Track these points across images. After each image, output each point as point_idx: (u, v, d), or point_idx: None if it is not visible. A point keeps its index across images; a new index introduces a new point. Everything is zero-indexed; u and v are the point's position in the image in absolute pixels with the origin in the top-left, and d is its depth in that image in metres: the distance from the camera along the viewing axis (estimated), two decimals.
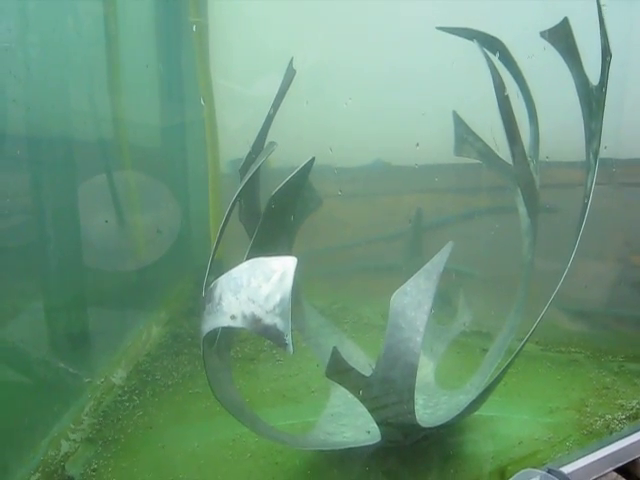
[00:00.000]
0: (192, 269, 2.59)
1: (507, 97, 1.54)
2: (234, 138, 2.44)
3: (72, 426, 1.81)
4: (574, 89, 1.64)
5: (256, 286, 1.22)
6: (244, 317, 1.23)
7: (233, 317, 1.24)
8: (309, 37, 2.16)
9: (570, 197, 2.15)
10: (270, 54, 2.19)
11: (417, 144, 1.82)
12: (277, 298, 1.19)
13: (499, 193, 2.23)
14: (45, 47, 1.91)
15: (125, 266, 2.28)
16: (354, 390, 1.48)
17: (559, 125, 1.94)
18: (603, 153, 1.61)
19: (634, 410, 1.93)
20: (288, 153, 1.77)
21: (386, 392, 1.47)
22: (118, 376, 2.06)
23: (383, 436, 1.59)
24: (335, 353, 1.38)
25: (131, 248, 2.39)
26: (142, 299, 2.35)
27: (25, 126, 1.84)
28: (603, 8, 1.50)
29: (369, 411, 1.52)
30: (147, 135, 2.43)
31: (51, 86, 1.92)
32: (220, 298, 1.27)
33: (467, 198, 2.52)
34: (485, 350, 1.98)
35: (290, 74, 1.70)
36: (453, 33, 1.72)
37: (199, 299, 2.43)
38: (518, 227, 1.87)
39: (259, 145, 1.67)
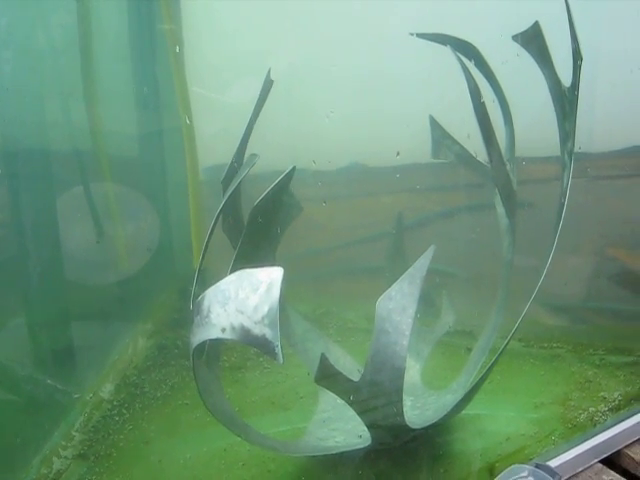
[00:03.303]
0: (175, 278, 2.59)
1: (483, 102, 1.56)
2: (209, 145, 2.45)
3: (63, 443, 1.80)
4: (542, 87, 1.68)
5: (244, 297, 1.23)
6: (233, 328, 1.24)
7: (222, 329, 1.26)
8: (284, 42, 2.16)
9: (543, 192, 2.20)
10: (243, 59, 2.19)
11: (397, 153, 1.85)
12: (265, 309, 1.20)
13: (476, 191, 2.26)
14: (19, 61, 1.90)
15: (108, 278, 2.27)
16: (343, 395, 1.50)
17: (530, 122, 1.98)
18: (576, 148, 1.65)
19: (616, 402, 1.96)
20: (265, 158, 1.78)
21: (375, 395, 1.49)
22: (107, 390, 2.05)
23: (373, 439, 1.61)
24: (323, 359, 1.40)
25: (113, 260, 2.38)
26: (126, 311, 2.34)
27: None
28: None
29: (358, 414, 1.54)
30: (124, 144, 2.42)
31: (25, 99, 1.92)
32: (209, 310, 1.29)
33: (444, 196, 2.54)
34: (469, 349, 2.00)
35: (267, 85, 1.71)
36: (426, 39, 1.74)
37: (183, 310, 2.46)
38: (496, 224, 1.91)
39: (240, 156, 1.68)
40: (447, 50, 1.69)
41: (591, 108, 2.08)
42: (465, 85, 1.60)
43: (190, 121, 2.44)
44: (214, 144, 2.40)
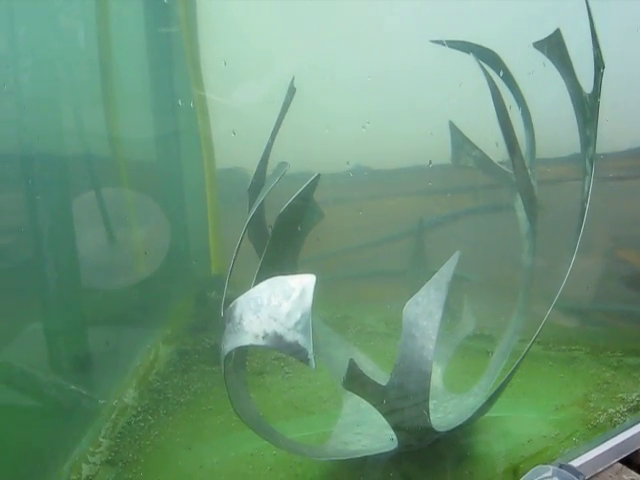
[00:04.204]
0: (193, 284, 2.60)
1: (506, 110, 1.58)
2: (220, 148, 2.46)
3: (91, 449, 1.82)
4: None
5: (276, 304, 1.25)
6: (266, 335, 1.26)
7: (255, 336, 1.27)
8: (290, 44, 2.17)
9: (559, 193, 2.22)
10: (249, 62, 2.20)
11: (430, 162, 1.85)
12: (298, 315, 1.22)
13: (485, 192, 2.28)
14: (37, 69, 1.92)
15: (127, 284, 2.29)
16: (372, 399, 1.52)
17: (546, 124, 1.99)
18: None
19: (634, 403, 1.99)
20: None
21: (402, 398, 1.51)
22: (130, 396, 2.07)
23: (399, 441, 1.63)
24: (352, 365, 1.42)
25: (132, 265, 2.39)
26: (146, 317, 2.35)
27: (18, 144, 1.86)
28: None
29: (385, 417, 1.55)
30: (142, 149, 2.44)
31: (43, 106, 1.93)
32: (241, 317, 1.30)
33: (450, 199, 2.55)
34: (489, 353, 2.02)
35: (291, 92, 1.73)
36: (449, 46, 1.75)
37: (201, 315, 2.47)
38: (508, 226, 1.92)
39: (264, 164, 1.70)
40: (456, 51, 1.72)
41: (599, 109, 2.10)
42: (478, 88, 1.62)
43: (204, 126, 2.44)
44: (222, 147, 2.42)
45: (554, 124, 2.05)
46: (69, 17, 2.14)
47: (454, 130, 2.00)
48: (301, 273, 1.26)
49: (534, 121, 1.84)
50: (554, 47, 1.63)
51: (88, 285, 2.05)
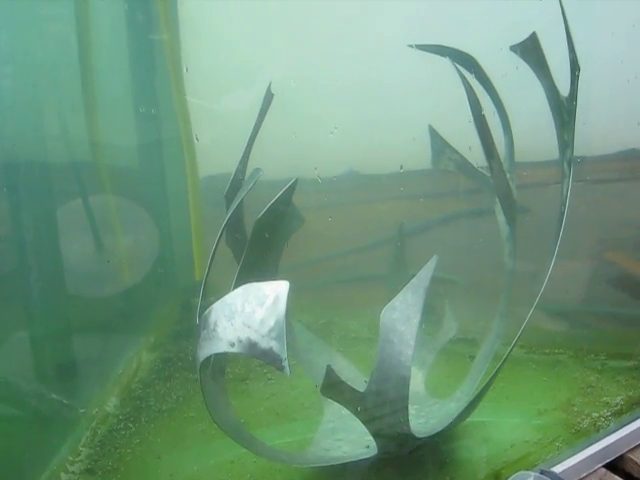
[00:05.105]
0: (176, 291, 2.59)
1: (483, 114, 1.58)
2: (204, 155, 2.46)
3: (70, 458, 1.80)
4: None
5: (250, 311, 1.25)
6: (240, 342, 1.25)
7: (230, 343, 1.27)
8: (278, 51, 2.17)
9: (540, 197, 2.22)
10: (237, 69, 2.19)
11: (401, 166, 1.86)
12: (271, 322, 1.21)
13: (473, 197, 2.28)
14: (18, 75, 1.91)
15: (110, 291, 2.28)
16: (349, 405, 1.51)
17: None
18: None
19: (618, 407, 1.98)
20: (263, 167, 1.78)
21: (380, 405, 1.51)
22: (112, 404, 2.05)
23: (379, 448, 1.62)
24: (329, 371, 1.42)
25: (115, 273, 2.38)
26: (129, 324, 2.34)
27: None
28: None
29: (364, 424, 1.55)
30: (124, 156, 2.43)
31: (25, 112, 1.92)
32: (215, 324, 1.30)
33: (438, 203, 2.55)
34: (472, 357, 2.01)
35: (268, 98, 1.72)
36: (426, 50, 1.76)
37: (185, 322, 2.46)
38: (494, 230, 1.92)
39: (242, 170, 1.70)
40: (444, 60, 1.71)
41: (586, 112, 2.10)
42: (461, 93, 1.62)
43: (187, 134, 2.43)
44: (208, 154, 2.41)
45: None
46: (49, 22, 2.13)
47: (434, 134, 2.00)
48: (281, 280, 1.25)
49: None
50: (530, 50, 1.63)
51: (71, 292, 2.04)
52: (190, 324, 2.39)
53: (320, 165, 2.10)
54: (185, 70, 1.87)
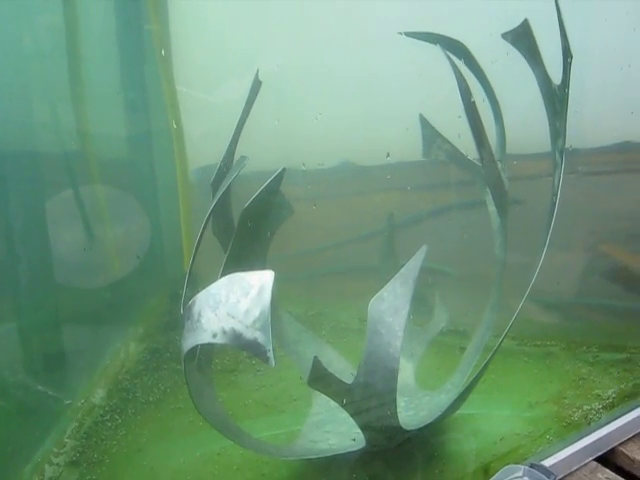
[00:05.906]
0: (165, 281, 2.57)
1: (473, 102, 1.56)
2: (197, 146, 2.44)
3: (55, 450, 1.78)
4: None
5: (235, 301, 1.23)
6: (224, 333, 1.23)
7: (214, 334, 1.25)
8: (272, 42, 2.15)
9: (534, 188, 2.20)
10: (231, 59, 2.17)
11: (388, 154, 1.84)
12: (256, 312, 1.19)
13: (466, 188, 2.26)
14: (5, 64, 1.89)
15: (98, 282, 2.26)
16: (336, 397, 1.49)
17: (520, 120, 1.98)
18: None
19: (610, 399, 1.97)
20: (255, 158, 1.77)
21: (368, 397, 1.49)
22: (98, 396, 2.04)
23: (367, 441, 1.61)
24: (316, 363, 1.40)
25: (103, 263, 2.36)
26: (118, 315, 2.32)
27: None
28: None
29: (352, 417, 1.53)
30: (113, 146, 2.41)
31: (13, 102, 1.90)
32: (199, 315, 1.28)
33: (433, 195, 2.54)
34: (463, 348, 1.99)
35: (256, 86, 1.70)
36: (416, 38, 1.73)
37: (174, 313, 2.44)
38: (487, 222, 1.91)
39: (229, 158, 1.67)
40: (437, 49, 1.69)
41: (580, 104, 2.08)
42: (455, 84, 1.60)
43: (178, 125, 2.41)
44: (202, 145, 2.39)
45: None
46: (37, 10, 2.11)
47: (425, 124, 1.98)
48: (268, 270, 1.23)
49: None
50: (522, 37, 1.61)
51: (59, 283, 2.02)
52: (178, 315, 2.40)
53: (316, 156, 2.09)
54: (162, 53, 1.84)
